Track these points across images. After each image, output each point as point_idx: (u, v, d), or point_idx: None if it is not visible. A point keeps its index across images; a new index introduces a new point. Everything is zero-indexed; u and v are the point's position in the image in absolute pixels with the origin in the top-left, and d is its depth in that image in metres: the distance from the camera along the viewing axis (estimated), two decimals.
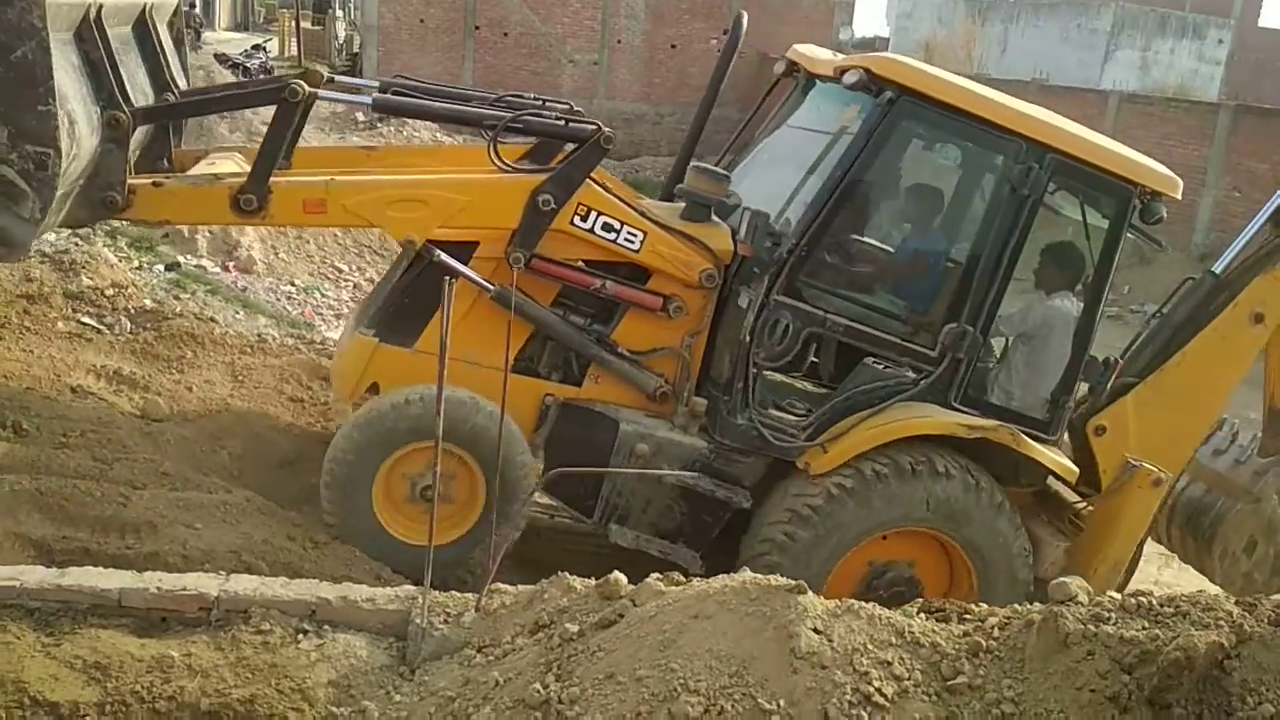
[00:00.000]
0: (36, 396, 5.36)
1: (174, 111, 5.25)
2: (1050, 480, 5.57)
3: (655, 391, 5.32)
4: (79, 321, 6.72)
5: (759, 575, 3.32)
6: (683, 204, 5.46)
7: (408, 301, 5.38)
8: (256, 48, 28.17)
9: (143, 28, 5.30)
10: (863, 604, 3.20)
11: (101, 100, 4.54)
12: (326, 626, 3.57)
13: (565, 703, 3.03)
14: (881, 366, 5.20)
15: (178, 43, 5.80)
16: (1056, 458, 5.27)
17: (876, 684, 2.95)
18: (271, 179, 4.98)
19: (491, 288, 5.14)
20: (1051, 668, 2.97)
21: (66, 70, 4.25)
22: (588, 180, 5.21)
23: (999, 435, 5.11)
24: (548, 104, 5.67)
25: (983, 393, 5.39)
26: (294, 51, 28.50)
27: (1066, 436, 5.60)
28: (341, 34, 33.60)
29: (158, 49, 5.35)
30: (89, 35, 4.50)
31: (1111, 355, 5.66)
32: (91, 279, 7.12)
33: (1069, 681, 2.92)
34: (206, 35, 30.51)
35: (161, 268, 8.30)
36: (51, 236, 7.83)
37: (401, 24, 25.19)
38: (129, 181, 4.77)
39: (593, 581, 3.64)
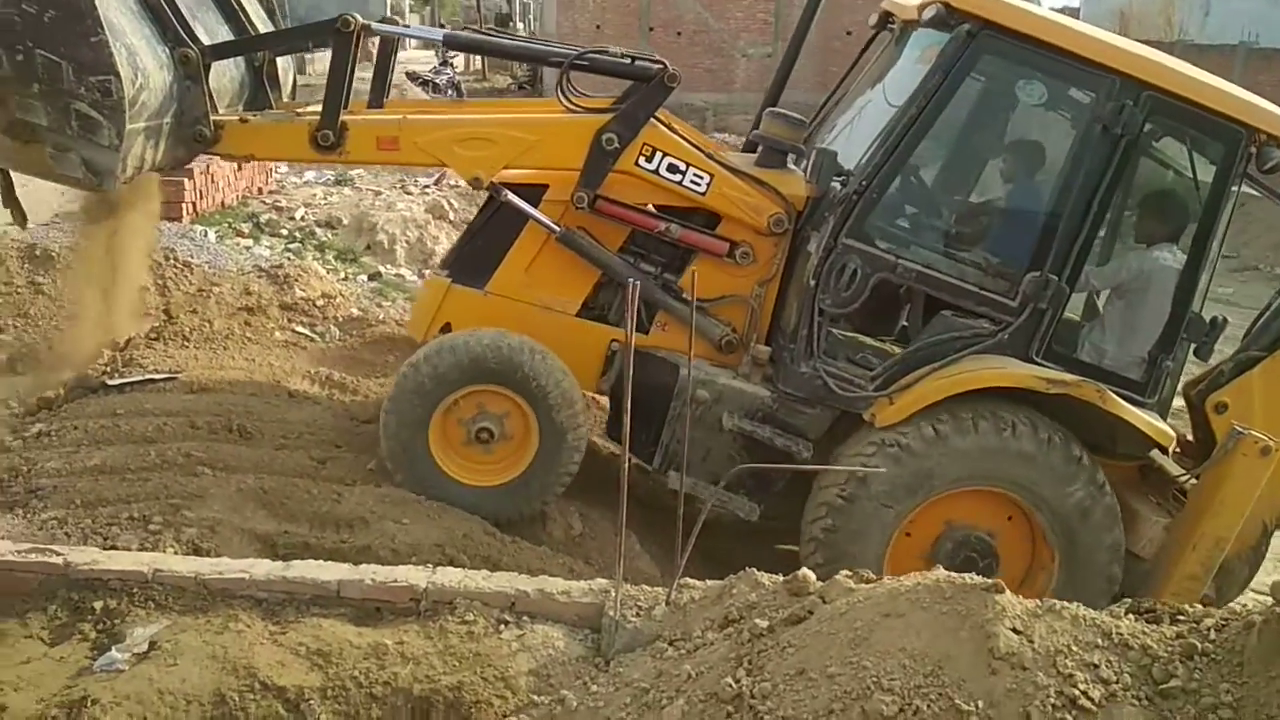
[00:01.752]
0: (259, 401, 5.77)
1: (241, 46, 5.43)
2: (1156, 454, 5.14)
3: (721, 340, 5.20)
4: (293, 330, 7.21)
5: (953, 574, 3.24)
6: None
7: (480, 243, 5.48)
8: (444, 63, 29.35)
9: (231, 16, 5.60)
10: (1065, 604, 3.08)
11: (169, 41, 4.85)
12: (525, 617, 3.71)
13: (757, 697, 3.05)
14: (959, 318, 4.91)
15: (269, 13, 6.08)
16: (1151, 420, 4.83)
17: (1082, 687, 2.83)
18: (349, 117, 5.19)
19: (557, 228, 5.16)
20: (1273, 671, 2.78)
21: (122, 12, 4.61)
22: (654, 121, 5.15)
23: (1083, 391, 4.72)
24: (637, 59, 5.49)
25: (1071, 349, 5.05)
26: (479, 65, 29.55)
27: (1187, 414, 5.17)
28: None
29: (238, 9, 5.63)
30: None
31: (1220, 315, 5.16)
32: (303, 290, 7.61)
33: None
34: (399, 55, 31.87)
35: (364, 278, 8.81)
36: (266, 253, 8.43)
37: (579, 30, 25.73)
38: (216, 118, 5.06)
39: (780, 578, 3.64)
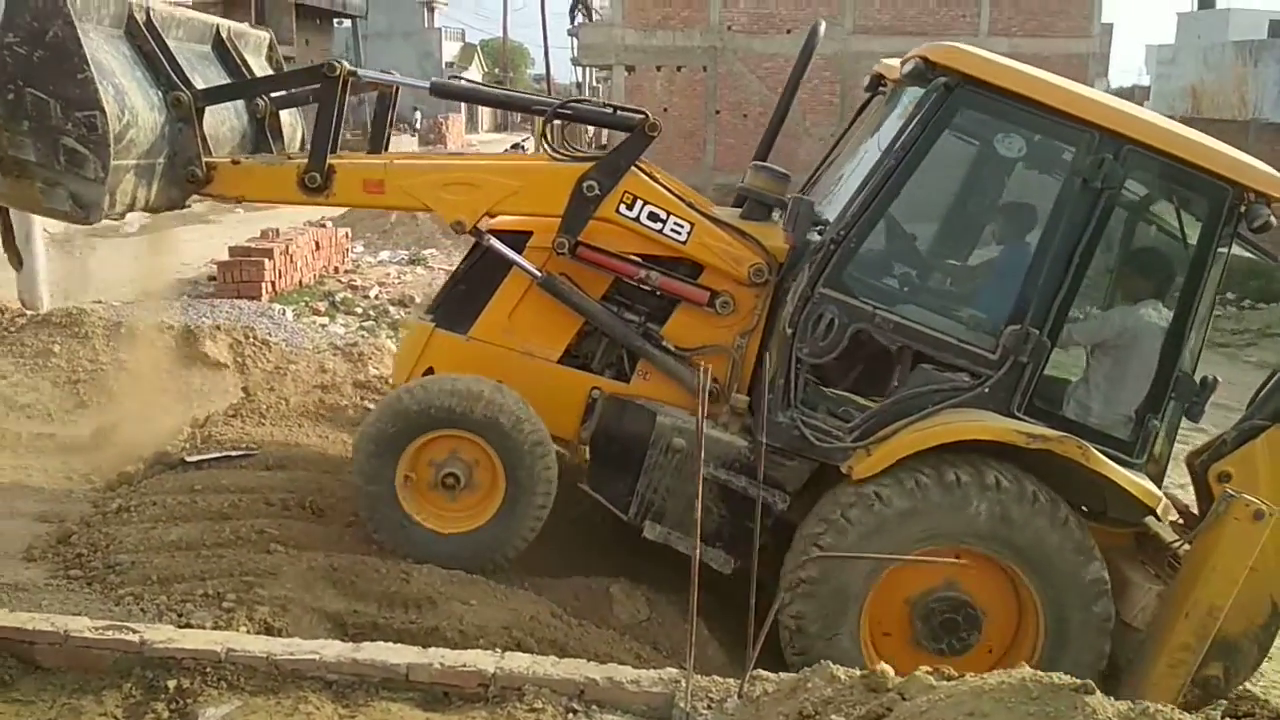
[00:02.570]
0: (331, 479, 5.84)
1: (232, 91, 5.55)
2: (1151, 521, 4.95)
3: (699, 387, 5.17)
4: (366, 408, 7.30)
5: (1040, 673, 3.12)
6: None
7: (464, 288, 5.53)
8: (515, 146, 30.11)
9: (222, 49, 5.82)
10: (1159, 707, 2.94)
11: (162, 85, 5.03)
12: (594, 706, 3.65)
13: None
14: (938, 370, 4.80)
15: (276, 68, 6.31)
16: (1137, 479, 4.66)
17: None
18: (336, 161, 5.30)
19: (538, 274, 5.20)
20: None
21: (113, 55, 4.80)
22: (635, 170, 5.18)
23: (1064, 447, 4.58)
24: (619, 110, 5.58)
25: (1055, 405, 4.90)
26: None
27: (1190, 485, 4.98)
28: (591, 128, 35.25)
29: (240, 67, 5.84)
30: (138, 32, 5.05)
31: (1211, 375, 4.99)
32: (376, 368, 7.75)
33: None
34: (470, 138, 32.81)
35: None
36: (341, 330, 8.61)
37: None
38: (208, 160, 5.19)
39: (857, 673, 3.54)
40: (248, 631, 4.18)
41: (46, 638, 3.76)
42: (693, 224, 5.24)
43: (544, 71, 34.36)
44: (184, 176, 5.21)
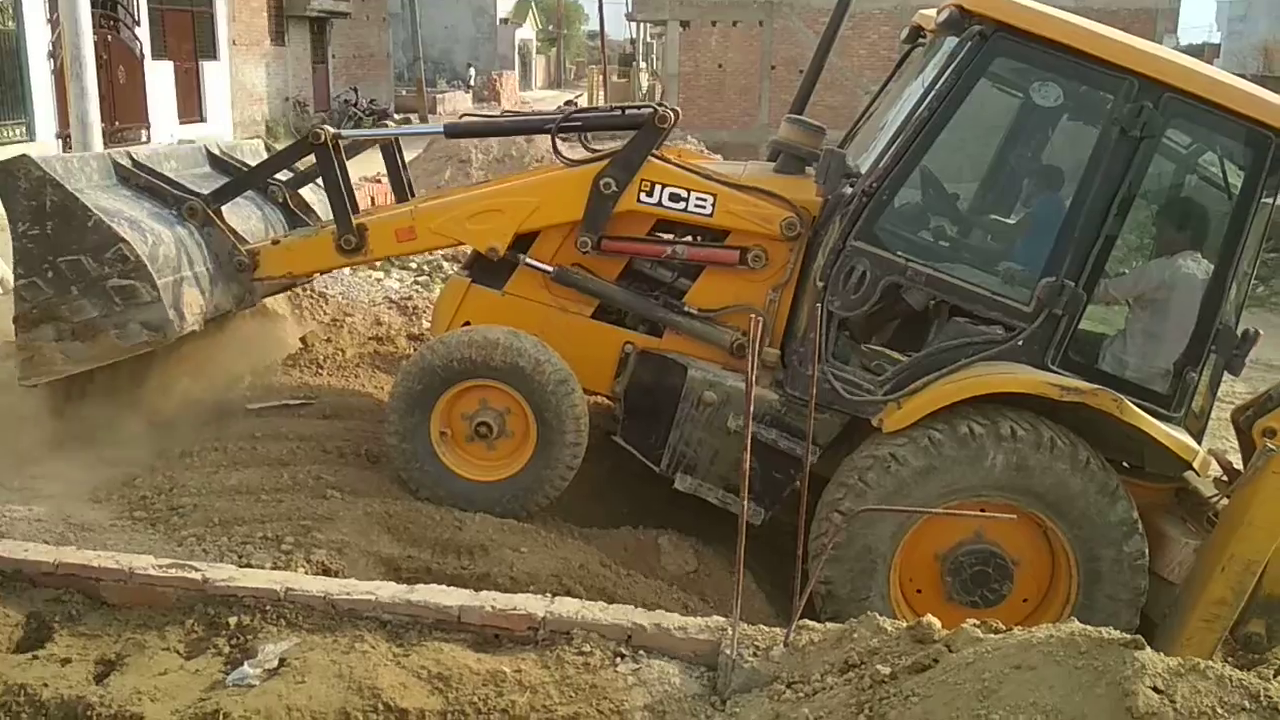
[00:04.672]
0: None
1: (236, 185, 5.76)
2: (1191, 476, 4.88)
3: (733, 345, 5.18)
4: None
5: (1088, 627, 3.11)
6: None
7: None
8: (569, 102, 30.02)
9: (220, 164, 6.16)
10: (1210, 663, 2.92)
11: (170, 205, 5.36)
12: (641, 651, 3.70)
13: None
14: (971, 323, 4.75)
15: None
16: (1173, 433, 4.58)
17: None
18: (366, 218, 5.50)
19: (550, 270, 5.33)
20: None
21: (114, 198, 5.17)
22: (649, 158, 5.21)
23: (1099, 400, 4.51)
24: (627, 110, 5.68)
25: (1091, 359, 4.83)
26: (602, 103, 30.08)
27: (1235, 442, 4.90)
28: (645, 84, 35.13)
29: (236, 166, 6.18)
30: (130, 175, 5.41)
31: (1252, 328, 4.89)
32: (430, 322, 7.81)
33: None
34: (524, 94, 32.78)
35: None
36: (396, 285, 8.71)
37: (700, 70, 25.98)
38: (249, 247, 5.49)
39: (904, 624, 3.55)
40: (305, 573, 4.28)
41: (112, 574, 3.89)
42: (715, 195, 5.26)
43: (598, 28, 34.13)
44: (233, 270, 5.49)
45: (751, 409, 4.94)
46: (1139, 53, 4.68)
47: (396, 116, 32.89)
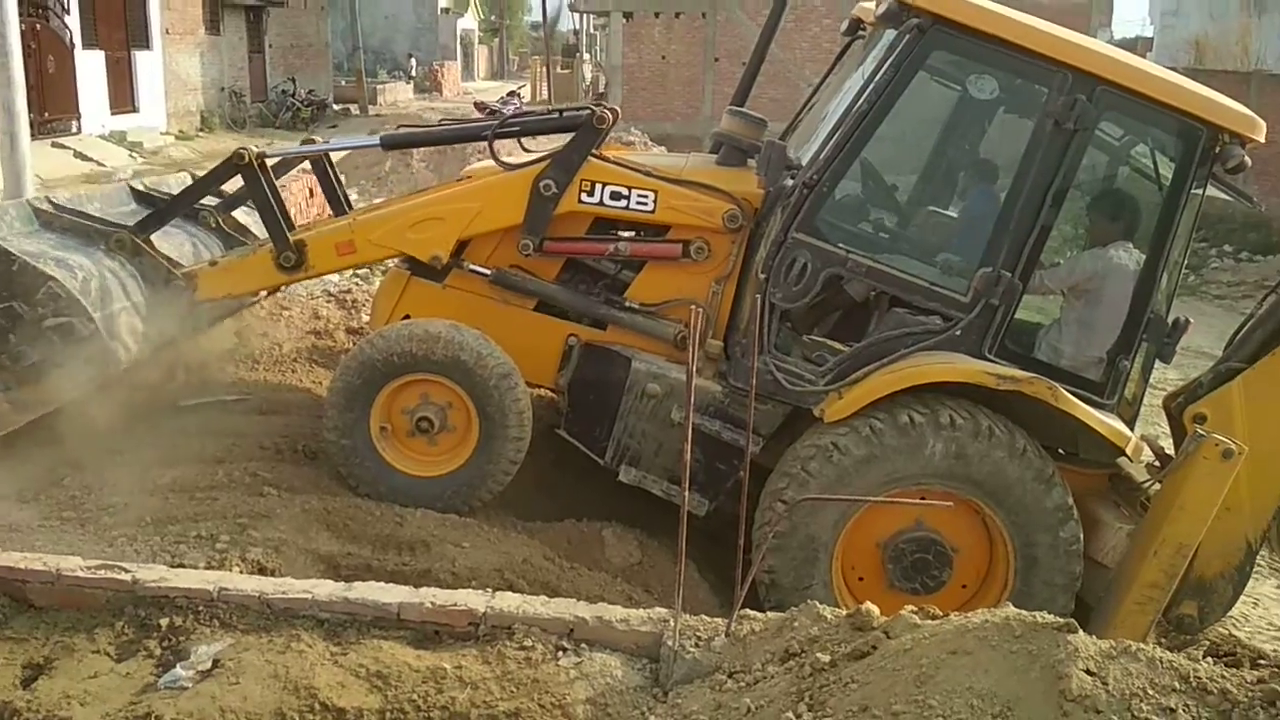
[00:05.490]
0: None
1: (162, 214, 5.63)
2: (1124, 462, 5.00)
3: (676, 338, 5.20)
4: None
5: (1022, 612, 3.15)
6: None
7: None
8: (511, 94, 29.84)
9: (146, 199, 6.02)
10: (1141, 646, 2.98)
11: (97, 241, 5.27)
12: (584, 645, 3.68)
13: None
14: (911, 314, 4.85)
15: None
16: (1106, 420, 4.70)
17: None
18: (305, 234, 5.44)
19: (488, 273, 5.32)
20: None
21: (42, 242, 5.12)
22: (589, 157, 5.22)
23: (1034, 388, 4.62)
24: (565, 112, 5.66)
25: (1028, 348, 4.96)
26: (545, 95, 29.97)
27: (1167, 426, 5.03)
28: (588, 76, 35.03)
29: (160, 197, 6.04)
30: (52, 218, 5.33)
31: (1182, 317, 5.04)
32: (369, 315, 7.71)
33: None
34: (466, 85, 32.51)
35: None
36: (336, 278, 8.57)
37: (644, 62, 25.96)
38: (184, 270, 5.39)
39: (843, 612, 3.57)
40: (240, 572, 4.21)
41: (39, 576, 3.78)
42: (657, 191, 5.26)
43: (541, 19, 33.93)
44: (172, 294, 5.35)
45: (693, 401, 4.99)
46: (1073, 46, 4.75)
47: (336, 107, 32.49)
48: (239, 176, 5.57)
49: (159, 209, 5.72)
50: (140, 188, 6.19)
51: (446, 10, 54.96)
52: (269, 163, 5.65)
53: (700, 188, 5.27)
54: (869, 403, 4.79)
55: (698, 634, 3.67)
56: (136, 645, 3.63)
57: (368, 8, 43.26)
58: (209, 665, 3.46)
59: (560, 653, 3.63)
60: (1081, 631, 3.00)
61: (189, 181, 6.48)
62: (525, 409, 5.14)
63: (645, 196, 5.26)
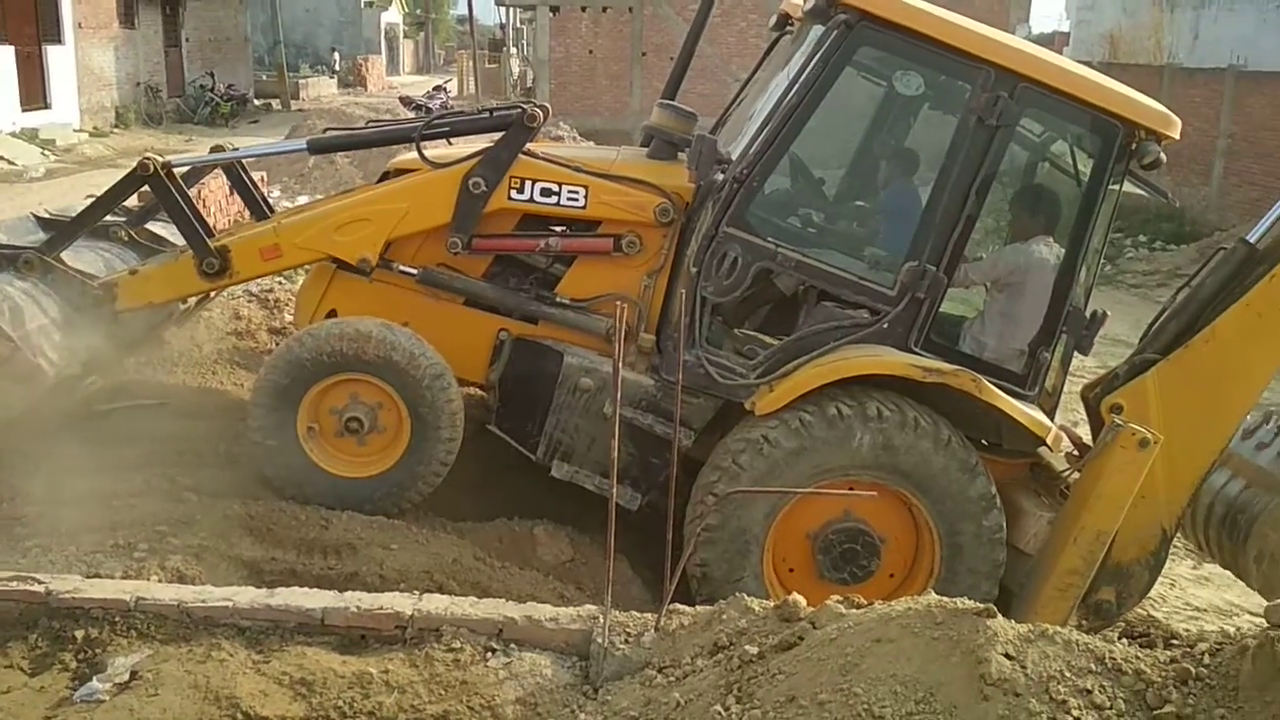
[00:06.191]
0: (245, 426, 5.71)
1: (66, 232, 5.50)
2: (1044, 452, 5.15)
3: (608, 332, 5.21)
4: None
5: (944, 599, 3.21)
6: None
7: None
8: (438, 88, 29.52)
9: (53, 226, 5.77)
10: (1059, 629, 3.05)
11: (4, 268, 5.14)
12: (513, 645, 3.66)
13: None
14: (840, 308, 4.94)
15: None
16: (1028, 411, 4.83)
17: (1076, 713, 2.81)
18: (227, 239, 5.35)
19: (414, 273, 5.27)
20: (1269, 696, 2.75)
21: None
22: (519, 155, 5.22)
23: (958, 380, 4.72)
24: (495, 111, 5.66)
25: (952, 340, 5.08)
26: (472, 89, 29.69)
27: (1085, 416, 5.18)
28: (515, 70, 34.79)
29: (61, 219, 5.86)
30: None
31: (1100, 309, 5.20)
32: (292, 315, 7.57)
33: None
34: (391, 79, 32.06)
35: None
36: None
37: (571, 56, 25.86)
38: (103, 279, 5.28)
39: (771, 604, 3.61)
40: (159, 580, 4.11)
41: None
42: (587, 187, 5.24)
43: (467, 13, 33.65)
44: (91, 305, 5.20)
45: (622, 395, 4.97)
46: (996, 44, 4.84)
47: (257, 102, 31.84)
48: (147, 187, 5.43)
49: (65, 226, 5.56)
50: (45, 215, 6.00)
51: (370, 4, 54.20)
52: (178, 171, 5.52)
53: (631, 182, 5.26)
54: (798, 396, 4.83)
55: (627, 630, 3.68)
56: (51, 658, 3.53)
57: (289, 1, 42.48)
58: (126, 677, 3.37)
59: (489, 654, 3.61)
60: (1000, 617, 3.07)
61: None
62: (458, 409, 5.09)
63: (576, 192, 5.24)
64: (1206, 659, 2.96)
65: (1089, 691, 2.86)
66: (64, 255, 5.32)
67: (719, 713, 3.08)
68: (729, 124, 5.99)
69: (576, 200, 5.24)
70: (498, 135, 5.35)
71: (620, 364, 3.73)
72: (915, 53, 4.91)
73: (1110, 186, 4.96)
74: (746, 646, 3.35)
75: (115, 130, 24.34)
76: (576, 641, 3.68)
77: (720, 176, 5.00)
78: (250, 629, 3.62)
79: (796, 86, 4.85)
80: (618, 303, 4.15)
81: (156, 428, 5.56)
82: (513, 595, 4.40)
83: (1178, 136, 4.90)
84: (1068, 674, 2.91)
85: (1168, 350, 5.01)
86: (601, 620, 3.67)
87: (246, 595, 3.72)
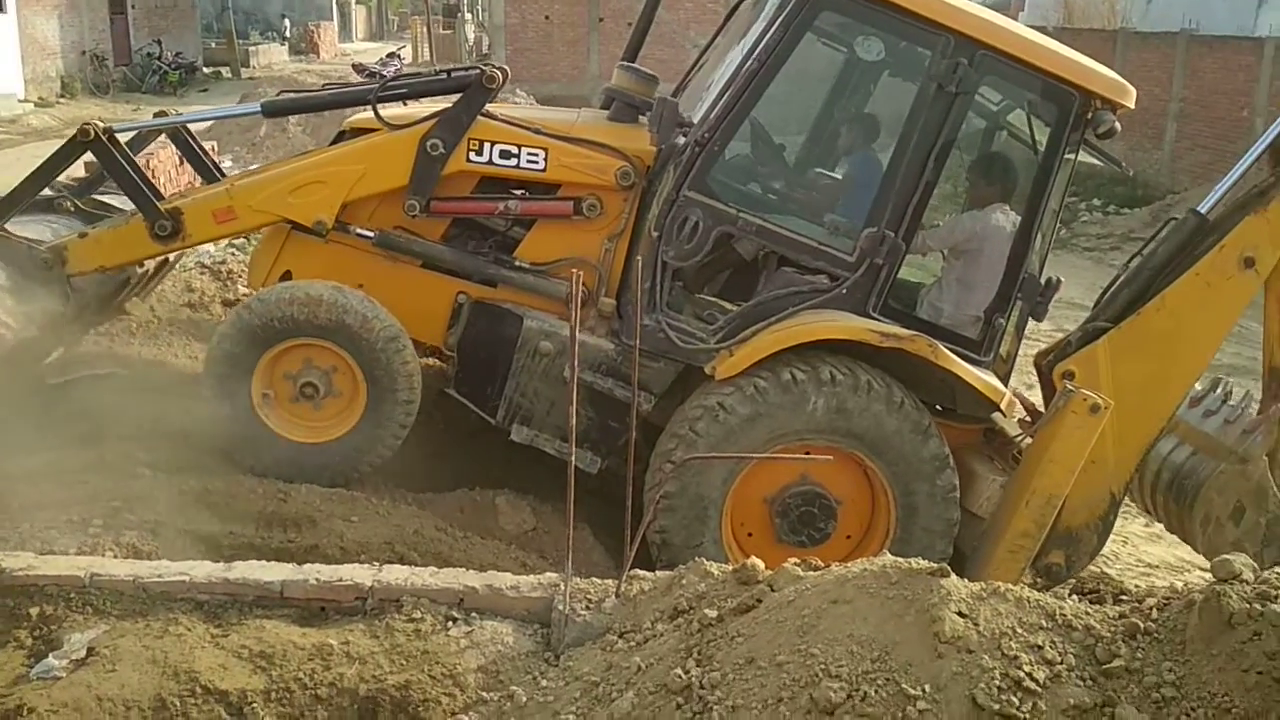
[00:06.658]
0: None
1: (9, 202, 5.39)
2: (998, 418, 5.24)
3: (567, 295, 5.16)
4: None
5: (899, 559, 3.26)
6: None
7: None
8: (391, 55, 29.12)
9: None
10: (1010, 587, 3.11)
11: None
12: (474, 614, 3.67)
13: (707, 687, 3.04)
14: (799, 273, 4.98)
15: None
16: (982, 376, 4.92)
17: (1027, 668, 2.86)
18: (180, 201, 5.27)
19: (371, 235, 5.22)
20: (1215, 649, 2.83)
21: None
22: (478, 117, 5.17)
23: (915, 345, 4.79)
24: (453, 72, 5.59)
25: (910, 306, 5.15)
26: (427, 56, 29.30)
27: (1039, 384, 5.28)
28: (470, 36, 34.36)
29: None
30: None
31: (1054, 276, 5.28)
32: (246, 287, 7.47)
33: (1234, 664, 2.77)
34: (344, 46, 31.55)
35: None
36: (211, 249, 8.28)
37: (528, 22, 25.59)
38: (52, 243, 5.21)
39: (730, 567, 3.64)
40: (115, 557, 4.06)
41: None
42: (546, 149, 5.19)
43: None
44: (40, 269, 5.12)
45: (582, 359, 4.97)
46: (956, 10, 4.85)
47: (206, 70, 31.22)
48: (90, 155, 5.32)
49: (5, 197, 5.42)
50: None
51: None
52: (123, 137, 5.39)
53: (592, 145, 5.21)
54: (755, 361, 4.85)
55: (588, 596, 3.70)
56: (5, 636, 3.49)
57: None
58: (83, 653, 3.35)
59: (450, 623, 3.62)
60: (954, 576, 3.12)
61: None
62: (414, 371, 5.06)
63: (535, 155, 5.19)
64: (1154, 614, 3.03)
65: (1040, 647, 2.91)
66: (8, 227, 5.20)
67: (679, 675, 3.11)
68: (689, 89, 5.97)
69: (536, 163, 5.19)
70: (455, 97, 5.29)
71: (579, 328, 3.72)
72: (876, 18, 4.92)
73: (1066, 156, 5.01)
74: (706, 610, 3.38)
75: (61, 100, 23.81)
76: (538, 609, 3.70)
77: (682, 140, 4.98)
78: (208, 603, 3.61)
79: (757, 51, 4.84)
80: (573, 271, 4.14)
81: (110, 401, 5.47)
82: (475, 565, 4.40)
83: (1132, 106, 4.95)
84: (1019, 630, 2.96)
85: (1119, 318, 5.09)
86: (562, 587, 3.68)
87: (203, 569, 3.70)
